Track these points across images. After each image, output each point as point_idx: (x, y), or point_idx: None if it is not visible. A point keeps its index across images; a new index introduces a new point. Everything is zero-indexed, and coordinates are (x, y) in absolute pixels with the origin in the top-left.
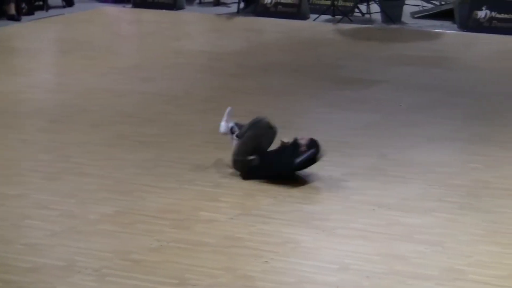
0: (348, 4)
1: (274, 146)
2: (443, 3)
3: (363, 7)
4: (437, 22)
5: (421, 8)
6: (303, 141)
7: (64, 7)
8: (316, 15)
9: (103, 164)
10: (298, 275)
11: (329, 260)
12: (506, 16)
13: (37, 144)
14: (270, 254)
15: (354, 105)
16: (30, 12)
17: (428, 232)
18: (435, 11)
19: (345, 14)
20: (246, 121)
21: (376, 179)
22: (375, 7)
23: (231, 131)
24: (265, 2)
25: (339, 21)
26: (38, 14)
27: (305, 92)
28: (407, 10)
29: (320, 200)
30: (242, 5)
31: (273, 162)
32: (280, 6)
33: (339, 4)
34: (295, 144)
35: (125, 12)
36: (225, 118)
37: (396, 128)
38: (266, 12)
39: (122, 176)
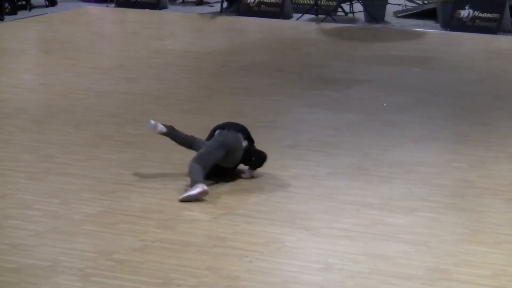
0: (331, 3)
1: None
2: (426, 2)
3: (346, 6)
4: (420, 22)
5: (404, 8)
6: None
7: (47, 6)
8: (299, 15)
9: (86, 164)
10: (283, 275)
11: (314, 260)
12: (489, 15)
13: (19, 144)
14: (255, 253)
15: (337, 105)
16: (13, 12)
17: (412, 232)
18: (418, 10)
19: (328, 13)
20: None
21: (360, 179)
22: (358, 6)
23: None
24: (248, 1)
25: (322, 20)
26: (21, 13)
27: (287, 92)
28: (390, 9)
29: (304, 200)
30: (225, 4)
31: None
32: (263, 6)
33: (322, 3)
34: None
35: (108, 11)
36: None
37: (378, 128)
38: (249, 11)
39: (105, 176)
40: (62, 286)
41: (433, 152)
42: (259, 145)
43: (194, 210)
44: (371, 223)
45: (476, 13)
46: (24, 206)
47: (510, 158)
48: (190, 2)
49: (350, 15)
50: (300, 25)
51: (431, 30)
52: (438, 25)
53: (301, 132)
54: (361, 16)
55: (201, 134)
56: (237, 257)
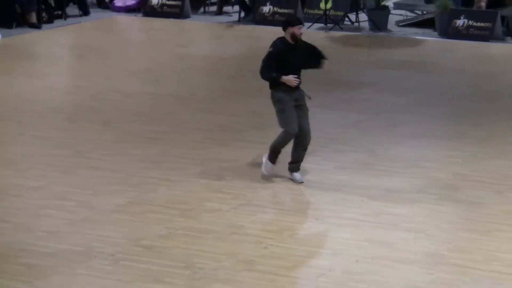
0: (338, 13)
1: None
2: (425, 12)
3: (352, 16)
4: (420, 30)
5: (405, 17)
6: None
7: (80, 15)
8: (310, 23)
9: (115, 159)
10: (294, 259)
11: (322, 246)
12: (482, 24)
13: (54, 140)
14: (269, 240)
15: (344, 105)
16: (49, 21)
17: (412, 221)
18: (418, 19)
19: (336, 22)
20: (245, 119)
21: (364, 173)
22: (363, 16)
23: None
24: (264, 11)
25: (331, 29)
26: (57, 22)
27: None
28: (392, 19)
29: (313, 191)
30: (242, 14)
31: None
32: (277, 15)
33: (330, 13)
34: None
35: (136, 20)
36: None
37: (382, 126)
38: (264, 20)
39: (132, 169)
40: (95, 269)
41: (431, 148)
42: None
43: (215, 201)
44: (375, 213)
45: (471, 22)
46: (59, 197)
47: (501, 154)
48: (210, 12)
49: (356, 24)
50: (311, 33)
51: (429, 38)
52: (435, 33)
53: (311, 130)
54: (366, 25)
55: (220, 131)
56: (253, 243)
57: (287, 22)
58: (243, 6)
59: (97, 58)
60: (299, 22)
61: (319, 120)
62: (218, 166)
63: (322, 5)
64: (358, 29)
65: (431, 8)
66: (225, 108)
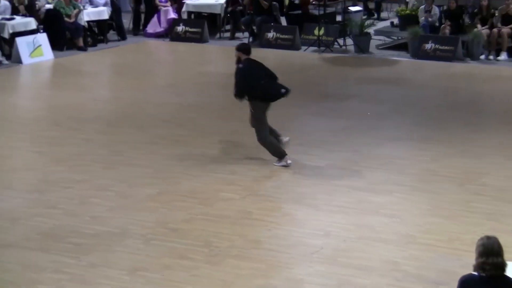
0: (329, 38)
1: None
2: (399, 38)
3: (340, 41)
4: (395, 52)
5: (383, 42)
6: None
7: (119, 40)
8: (306, 47)
9: (146, 157)
10: (293, 239)
11: (316, 228)
12: (446, 47)
13: (97, 142)
14: (272, 224)
15: (334, 113)
16: (94, 44)
17: (389, 208)
18: (394, 44)
19: (327, 46)
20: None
21: (350, 168)
22: (349, 41)
23: None
24: (268, 37)
25: (323, 51)
26: (100, 46)
27: (296, 103)
28: (373, 43)
29: (309, 184)
30: (251, 39)
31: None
32: (279, 40)
33: (323, 38)
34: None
35: (164, 44)
36: None
37: (364, 131)
38: (269, 44)
39: (161, 166)
40: (129, 247)
41: (405, 149)
42: None
43: (228, 192)
44: (359, 201)
45: (437, 46)
46: (101, 188)
47: (461, 153)
48: (225, 37)
49: (344, 47)
50: (306, 55)
51: (403, 59)
52: (408, 55)
53: (306, 134)
54: (351, 48)
55: (232, 134)
56: (260, 226)
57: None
58: (252, 33)
59: (132, 74)
60: (239, 48)
61: (314, 125)
62: (230, 163)
63: (316, 31)
64: (345, 51)
65: (405, 34)
66: (236, 115)
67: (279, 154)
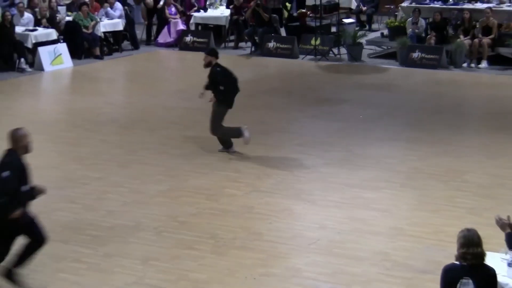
0: (325, 48)
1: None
2: (389, 47)
3: (335, 50)
4: (385, 60)
5: (374, 51)
6: None
7: (132, 49)
8: (304, 55)
9: (158, 156)
10: (292, 231)
11: (313, 221)
12: (431, 56)
13: (112, 142)
14: (273, 217)
15: (329, 116)
16: (109, 53)
17: (379, 203)
18: (384, 52)
19: (323, 54)
20: (255, 127)
21: (345, 167)
22: (343, 50)
23: None
24: (269, 46)
25: (319, 59)
26: (115, 54)
27: (295, 107)
28: (365, 52)
29: (306, 181)
30: (253, 48)
31: None
32: (279, 49)
33: (319, 48)
34: None
35: (174, 53)
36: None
37: (357, 132)
38: (269, 53)
39: (171, 164)
40: (142, 239)
41: (394, 149)
42: (275, 144)
43: (232, 188)
44: (352, 197)
45: (423, 55)
46: (116, 185)
47: (445, 153)
48: (229, 46)
49: (338, 56)
50: (304, 63)
51: (392, 66)
52: (397, 63)
53: (304, 135)
54: (345, 57)
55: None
56: (261, 220)
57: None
58: (254, 42)
59: (144, 81)
60: (208, 52)
61: (311, 127)
62: (234, 162)
63: (312, 41)
64: (340, 59)
65: (394, 44)
66: (239, 119)
67: (229, 144)
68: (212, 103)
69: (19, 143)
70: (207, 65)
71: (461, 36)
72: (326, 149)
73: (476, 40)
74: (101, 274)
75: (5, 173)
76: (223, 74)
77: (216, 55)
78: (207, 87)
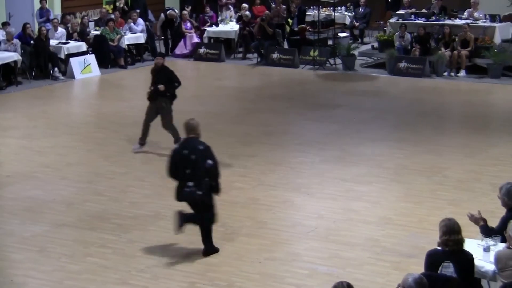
0: (322, 59)
1: None
2: (379, 58)
3: (331, 61)
4: (376, 70)
5: (366, 61)
6: None
7: (152, 60)
8: (303, 65)
9: None
10: (292, 220)
11: (311, 212)
12: (416, 66)
13: (134, 142)
14: (276, 208)
15: (325, 119)
16: (132, 63)
17: (370, 195)
18: (374, 63)
19: (321, 64)
20: (260, 128)
21: (339, 163)
22: (338, 61)
23: None
24: (273, 57)
25: (317, 69)
26: (137, 64)
27: (296, 111)
28: (358, 62)
29: (306, 176)
30: (259, 59)
31: None
32: (282, 60)
33: (317, 58)
34: None
35: (189, 63)
36: None
37: (351, 133)
38: (273, 63)
39: None
40: (161, 227)
41: (383, 148)
42: (278, 144)
43: (240, 182)
44: (346, 190)
45: (409, 65)
46: (138, 179)
47: (429, 151)
48: (238, 57)
49: (334, 65)
50: (304, 72)
51: (382, 75)
52: (386, 72)
53: (304, 135)
54: (340, 66)
55: (244, 136)
56: (265, 210)
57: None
58: (260, 54)
59: None
60: (160, 55)
61: (309, 129)
62: (242, 159)
63: (311, 53)
64: (335, 69)
65: (383, 55)
66: (247, 121)
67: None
68: (158, 101)
69: (197, 130)
70: (161, 65)
71: (442, 49)
72: (323, 148)
73: (455, 52)
74: (125, 258)
75: (211, 161)
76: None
77: (164, 57)
78: (156, 84)
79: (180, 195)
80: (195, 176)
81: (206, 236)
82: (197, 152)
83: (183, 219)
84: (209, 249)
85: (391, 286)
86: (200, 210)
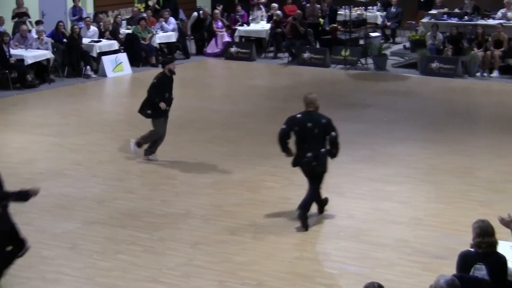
0: (354, 58)
1: None
2: (411, 58)
3: (363, 60)
4: (407, 70)
5: (397, 61)
6: None
7: (184, 59)
8: (335, 65)
9: (204, 153)
10: (323, 220)
11: (341, 211)
12: (448, 66)
13: (166, 140)
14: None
15: (356, 119)
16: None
17: (400, 195)
18: (406, 63)
19: (352, 64)
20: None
21: (369, 163)
22: (370, 61)
23: None
24: (304, 56)
25: (348, 69)
26: None
27: (326, 110)
28: (389, 62)
29: (335, 175)
30: (290, 58)
31: None
32: (313, 59)
33: (348, 58)
34: None
35: (220, 62)
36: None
37: (381, 133)
38: (304, 63)
39: (216, 160)
40: (192, 225)
41: (413, 148)
42: None
43: (271, 181)
44: (376, 190)
45: (441, 65)
46: (169, 177)
47: (458, 151)
48: (269, 57)
49: (365, 65)
50: (335, 71)
51: (413, 75)
52: (418, 72)
53: None
54: (371, 66)
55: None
56: (296, 209)
57: (165, 62)
58: (291, 53)
59: (194, 86)
60: (174, 60)
61: (340, 128)
62: (273, 158)
63: (343, 53)
64: (366, 69)
65: (415, 55)
66: (277, 120)
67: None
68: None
69: (316, 104)
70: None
71: (475, 49)
72: (353, 147)
73: (488, 52)
74: (155, 256)
75: (334, 133)
76: (156, 83)
77: (164, 63)
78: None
79: (298, 163)
80: (314, 147)
81: (312, 202)
82: (320, 126)
83: (306, 217)
84: (320, 203)
85: (421, 287)
86: (314, 178)
